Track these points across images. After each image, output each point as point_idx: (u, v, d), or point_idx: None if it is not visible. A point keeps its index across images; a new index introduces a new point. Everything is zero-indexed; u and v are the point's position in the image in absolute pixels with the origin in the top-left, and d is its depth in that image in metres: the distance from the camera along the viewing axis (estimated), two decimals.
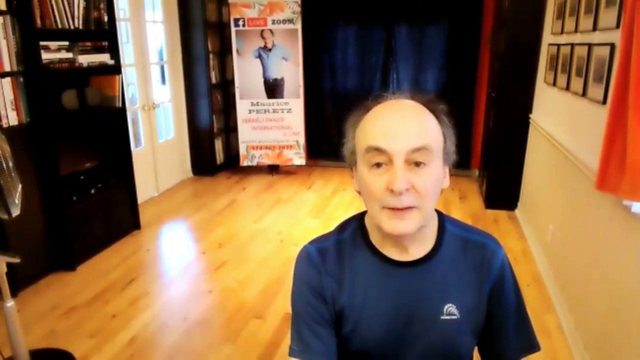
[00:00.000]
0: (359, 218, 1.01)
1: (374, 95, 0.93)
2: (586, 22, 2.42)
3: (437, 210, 0.98)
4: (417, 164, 0.84)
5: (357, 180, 0.92)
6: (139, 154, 4.31)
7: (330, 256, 0.98)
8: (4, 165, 1.81)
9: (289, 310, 1.01)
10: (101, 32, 3.38)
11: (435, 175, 0.86)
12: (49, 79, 2.96)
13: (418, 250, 0.94)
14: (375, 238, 0.97)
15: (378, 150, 0.84)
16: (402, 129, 0.84)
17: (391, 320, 0.94)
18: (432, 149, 0.85)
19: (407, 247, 0.93)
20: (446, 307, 0.94)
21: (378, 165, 0.85)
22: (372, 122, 0.88)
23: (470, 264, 0.96)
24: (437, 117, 0.89)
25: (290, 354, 0.98)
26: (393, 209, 0.85)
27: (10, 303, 2.01)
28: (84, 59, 3.20)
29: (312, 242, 1.02)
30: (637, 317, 1.66)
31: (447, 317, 0.93)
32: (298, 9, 4.85)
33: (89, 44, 3.27)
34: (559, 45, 2.95)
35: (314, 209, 4.28)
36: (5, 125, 2.71)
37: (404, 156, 0.83)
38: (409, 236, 0.90)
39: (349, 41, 5.31)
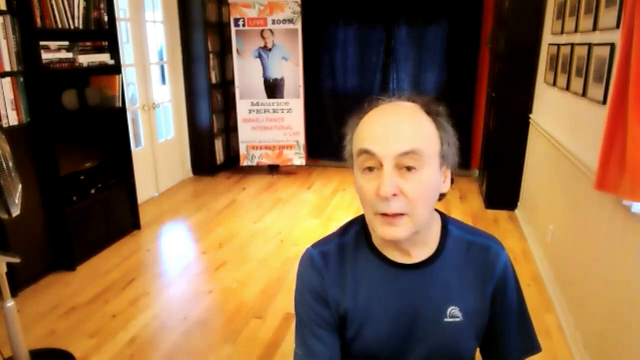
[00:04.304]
0: (362, 220, 0.99)
1: (371, 99, 0.92)
2: (586, 22, 2.42)
3: (440, 212, 0.98)
4: (408, 169, 0.83)
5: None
6: (139, 153, 4.31)
7: (332, 259, 0.97)
8: (4, 165, 1.81)
9: (289, 310, 1.01)
10: (101, 32, 3.38)
11: (428, 180, 0.84)
12: (49, 78, 2.95)
13: (421, 252, 0.94)
14: (377, 240, 0.96)
15: (368, 153, 0.84)
16: (393, 132, 0.83)
17: (394, 323, 0.94)
18: (423, 153, 0.83)
19: (409, 250, 0.93)
20: (449, 309, 0.93)
21: (370, 169, 0.84)
22: (365, 125, 0.88)
23: (473, 266, 0.96)
24: (434, 120, 0.87)
25: (295, 359, 0.99)
26: (384, 214, 0.84)
27: (10, 303, 2.01)
28: (84, 59, 3.20)
29: (314, 245, 1.01)
30: (637, 317, 1.66)
31: (451, 320, 0.93)
32: (298, 9, 4.85)
33: (89, 43, 3.27)
34: (559, 45, 2.95)
35: (313, 209, 4.28)
36: (5, 125, 2.71)
37: (392, 160, 0.82)
38: (408, 240, 0.89)
39: (349, 41, 5.31)
